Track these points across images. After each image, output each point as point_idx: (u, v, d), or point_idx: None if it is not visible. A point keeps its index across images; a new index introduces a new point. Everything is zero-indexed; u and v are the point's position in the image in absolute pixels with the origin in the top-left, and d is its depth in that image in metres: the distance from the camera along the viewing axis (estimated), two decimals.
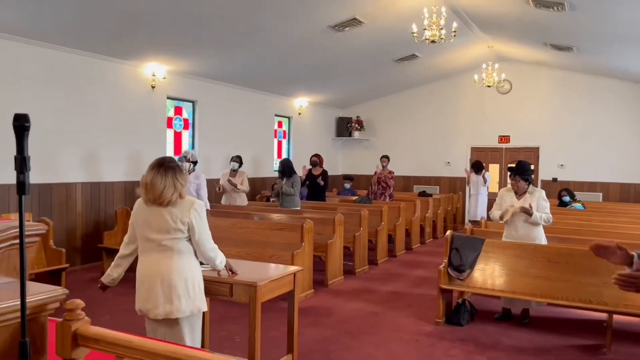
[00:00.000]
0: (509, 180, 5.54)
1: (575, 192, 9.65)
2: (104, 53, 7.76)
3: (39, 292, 1.89)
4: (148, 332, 3.12)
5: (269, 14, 7.32)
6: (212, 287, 3.49)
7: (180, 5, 6.55)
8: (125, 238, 3.28)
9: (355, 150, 14.72)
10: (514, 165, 5.56)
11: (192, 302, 3.02)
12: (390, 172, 10.25)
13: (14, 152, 1.71)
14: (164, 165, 3.05)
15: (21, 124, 1.67)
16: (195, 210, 3.04)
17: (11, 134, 1.70)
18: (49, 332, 1.97)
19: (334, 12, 7.62)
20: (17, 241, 1.91)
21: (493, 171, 13.08)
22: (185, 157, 7.31)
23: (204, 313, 4.12)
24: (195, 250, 3.13)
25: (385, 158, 10.35)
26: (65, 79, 7.37)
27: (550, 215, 5.29)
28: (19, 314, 1.74)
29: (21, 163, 1.67)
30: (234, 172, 8.59)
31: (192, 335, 3.09)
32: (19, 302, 1.73)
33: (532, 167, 11.23)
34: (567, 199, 9.00)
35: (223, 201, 8.73)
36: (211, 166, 9.97)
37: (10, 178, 6.47)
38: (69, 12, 6.34)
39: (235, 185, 8.43)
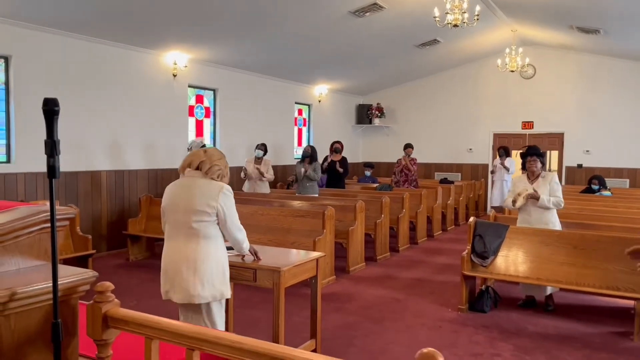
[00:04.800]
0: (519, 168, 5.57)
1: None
2: (126, 42, 7.83)
3: (70, 275, 1.93)
4: (179, 315, 3.19)
5: (290, 0, 7.28)
6: (236, 272, 3.53)
7: None
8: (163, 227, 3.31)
9: (375, 137, 14.63)
10: (523, 151, 5.59)
11: (214, 288, 3.02)
12: (412, 159, 10.34)
13: (41, 141, 1.73)
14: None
15: (51, 108, 1.69)
16: (225, 194, 3.05)
17: (36, 124, 1.72)
18: (79, 314, 2.01)
19: None
20: (48, 225, 1.95)
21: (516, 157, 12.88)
22: (199, 145, 7.37)
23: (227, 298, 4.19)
24: (223, 234, 3.15)
25: (409, 147, 10.32)
26: (88, 68, 7.46)
27: (561, 199, 5.27)
28: (51, 295, 1.78)
29: (51, 147, 1.69)
30: (258, 159, 8.63)
31: (213, 321, 3.10)
32: (51, 284, 1.77)
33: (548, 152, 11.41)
34: (596, 187, 8.81)
35: (246, 189, 8.79)
36: (232, 154, 10.01)
37: (38, 166, 6.64)
38: (91, 2, 6.40)
39: (262, 174, 8.49)
